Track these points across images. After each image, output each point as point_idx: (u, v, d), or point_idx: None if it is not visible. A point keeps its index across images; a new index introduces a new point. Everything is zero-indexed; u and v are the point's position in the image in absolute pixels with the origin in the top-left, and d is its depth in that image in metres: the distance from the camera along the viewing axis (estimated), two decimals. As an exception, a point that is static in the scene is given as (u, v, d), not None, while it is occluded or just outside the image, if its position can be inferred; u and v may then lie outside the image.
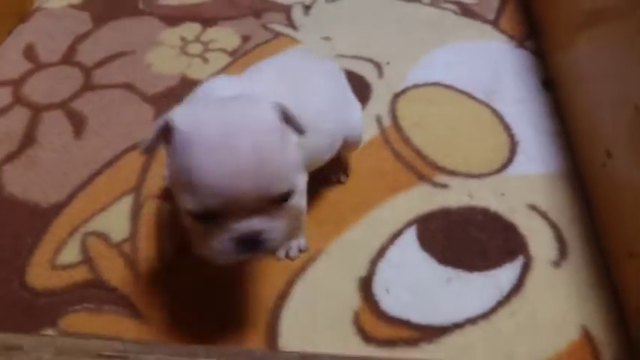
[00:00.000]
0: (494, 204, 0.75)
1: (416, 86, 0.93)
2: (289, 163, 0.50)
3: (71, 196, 0.78)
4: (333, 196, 0.77)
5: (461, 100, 0.90)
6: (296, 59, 0.74)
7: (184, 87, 0.93)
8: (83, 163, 0.82)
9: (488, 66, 0.96)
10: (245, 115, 0.48)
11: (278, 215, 0.50)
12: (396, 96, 0.91)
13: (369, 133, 0.85)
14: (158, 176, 0.80)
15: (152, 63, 0.98)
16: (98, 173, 0.81)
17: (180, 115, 0.48)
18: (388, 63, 0.97)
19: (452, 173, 0.79)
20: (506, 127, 0.85)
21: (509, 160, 0.81)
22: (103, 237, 0.73)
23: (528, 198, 0.76)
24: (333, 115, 0.66)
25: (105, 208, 0.76)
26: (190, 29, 1.06)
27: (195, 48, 1.02)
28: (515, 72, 0.95)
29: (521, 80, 0.94)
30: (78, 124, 0.88)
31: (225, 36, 1.05)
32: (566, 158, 0.81)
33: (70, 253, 0.71)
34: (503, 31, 1.04)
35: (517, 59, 0.98)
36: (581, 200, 0.75)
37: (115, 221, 0.75)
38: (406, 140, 0.84)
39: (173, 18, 1.09)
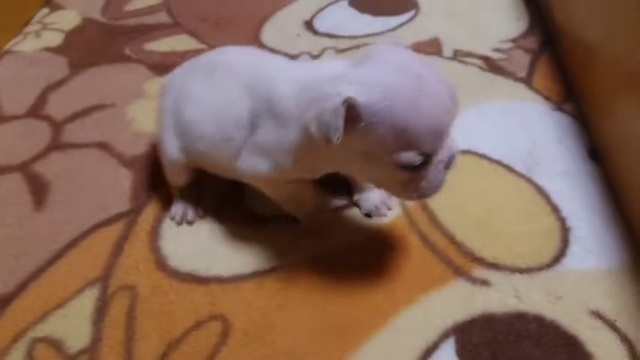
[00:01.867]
0: (550, 309, 0.61)
1: (443, 154, 0.79)
2: None
3: (21, 287, 0.62)
4: (349, 294, 0.62)
5: (497, 172, 0.76)
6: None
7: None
8: (40, 243, 0.67)
9: (526, 132, 0.83)
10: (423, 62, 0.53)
11: None
12: (421, 165, 0.78)
13: (390, 212, 0.71)
14: (133, 260, 0.65)
15: (134, 118, 0.84)
16: (58, 256, 0.66)
17: (352, 91, 0.49)
18: (409, 125, 0.84)
19: (493, 266, 0.65)
20: (554, 208, 0.71)
21: (562, 252, 0.66)
22: (55, 345, 0.57)
23: (590, 302, 0.61)
24: None
25: (62, 305, 0.61)
26: (181, 80, 0.92)
27: (185, 102, 0.88)
28: (556, 139, 0.82)
29: (564, 149, 0.80)
30: (39, 191, 0.73)
31: (221, 88, 0.91)
32: (630, 248, 0.67)
33: (11, 368, 0.55)
34: (537, 91, 0.91)
35: (556, 124, 0.85)
36: (657, 306, 0.61)
37: (74, 323, 0.59)
38: (435, 221, 0.70)
39: (162, 66, 0.95)
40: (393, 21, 1.09)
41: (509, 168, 0.77)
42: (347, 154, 0.53)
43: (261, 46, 1.02)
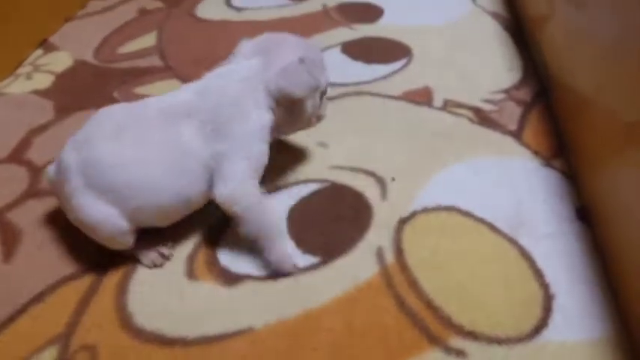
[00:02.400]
0: (528, 386, 0.58)
1: (426, 210, 0.77)
2: None
3: (-20, 345, 0.60)
4: (317, 357, 0.59)
5: (481, 232, 0.74)
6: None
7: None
8: (5, 297, 0.65)
9: (512, 189, 0.81)
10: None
11: None
12: (402, 222, 0.76)
13: (367, 271, 0.69)
14: (98, 317, 0.63)
15: (114, 166, 0.83)
16: (21, 311, 0.64)
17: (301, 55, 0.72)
18: (393, 179, 0.82)
19: (471, 335, 0.62)
20: (537, 273, 0.69)
21: (544, 321, 0.63)
22: (6, 412, 0.55)
23: (571, 377, 0.58)
24: None
25: (18, 366, 0.59)
26: (166, 126, 0.92)
27: (168, 149, 0.87)
28: (543, 198, 0.80)
29: (551, 208, 0.78)
30: (10, 241, 0.71)
31: (206, 136, 0.90)
32: (615, 318, 0.64)
33: None
34: (527, 146, 0.89)
35: (544, 181, 0.83)
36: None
37: (29, 386, 0.57)
38: (413, 284, 0.68)
39: (148, 111, 0.94)
40: (385, 69, 1.09)
41: (493, 227, 0.75)
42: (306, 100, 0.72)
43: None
